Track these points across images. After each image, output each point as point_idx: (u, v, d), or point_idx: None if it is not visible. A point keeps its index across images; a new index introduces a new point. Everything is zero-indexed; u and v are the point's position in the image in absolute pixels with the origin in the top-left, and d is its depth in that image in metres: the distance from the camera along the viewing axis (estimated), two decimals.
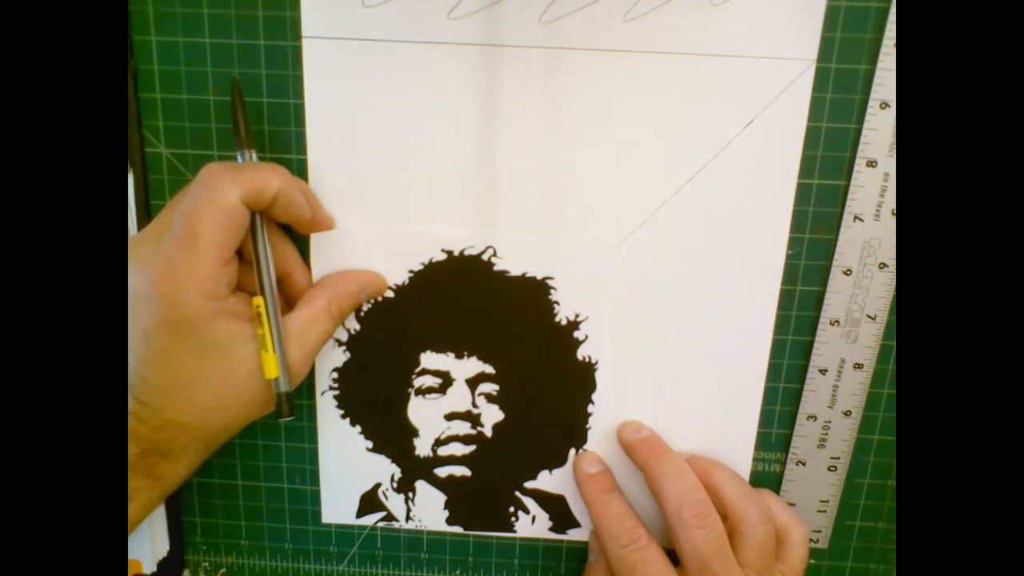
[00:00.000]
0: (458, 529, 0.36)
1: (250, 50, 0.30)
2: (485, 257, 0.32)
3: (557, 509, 0.36)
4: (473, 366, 0.34)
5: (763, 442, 0.34)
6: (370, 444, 0.35)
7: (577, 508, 0.35)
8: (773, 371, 0.33)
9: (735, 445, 0.34)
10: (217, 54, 0.31)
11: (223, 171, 0.27)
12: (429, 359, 0.34)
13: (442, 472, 0.35)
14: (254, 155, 0.29)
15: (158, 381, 0.27)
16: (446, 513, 0.36)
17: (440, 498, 0.36)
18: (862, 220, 0.31)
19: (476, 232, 0.32)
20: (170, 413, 0.27)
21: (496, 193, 0.31)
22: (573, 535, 0.36)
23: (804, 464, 0.34)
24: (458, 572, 0.37)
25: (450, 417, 0.34)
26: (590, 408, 0.34)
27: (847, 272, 0.31)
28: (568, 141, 0.30)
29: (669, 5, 0.29)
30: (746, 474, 0.34)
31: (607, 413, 0.34)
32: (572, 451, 0.35)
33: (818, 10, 0.29)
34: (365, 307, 0.33)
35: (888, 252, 0.31)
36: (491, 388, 0.34)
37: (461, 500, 0.36)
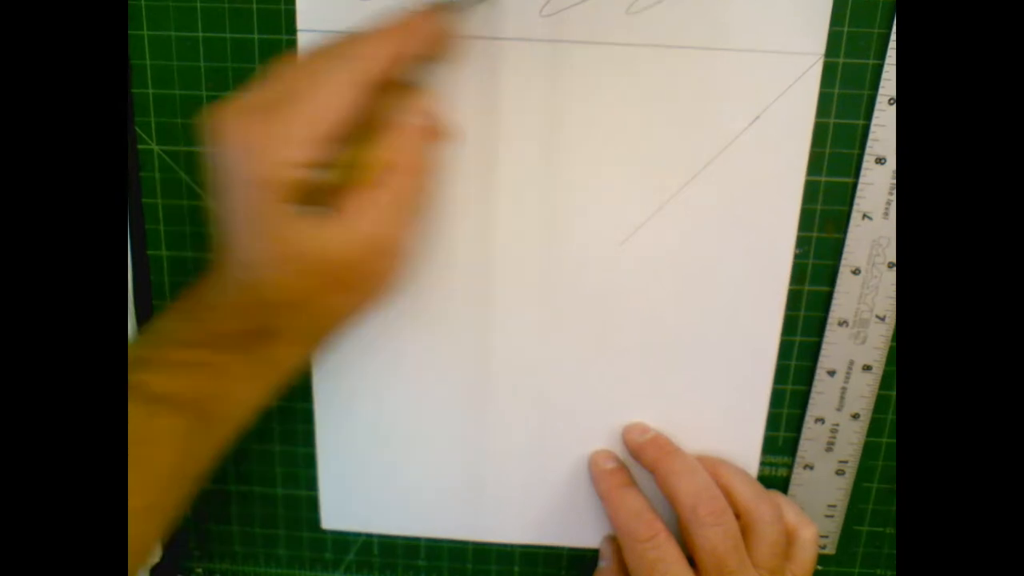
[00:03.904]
0: (456, 536, 0.35)
1: (244, 44, 0.30)
2: None
3: None
4: None
5: (769, 445, 0.33)
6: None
7: (585, 514, 0.35)
8: (780, 373, 0.32)
9: (742, 448, 0.33)
10: (210, 48, 0.30)
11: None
12: None
13: None
14: None
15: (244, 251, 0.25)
16: None
17: None
18: (871, 218, 0.30)
19: (476, 230, 0.31)
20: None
21: (496, 189, 0.30)
22: (575, 542, 0.35)
23: (811, 468, 0.33)
24: None
25: None
26: None
27: (856, 271, 0.31)
28: (569, 136, 0.30)
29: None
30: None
31: (608, 416, 0.33)
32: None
33: (825, 4, 0.28)
34: None
35: None
36: None
37: None
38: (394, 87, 0.26)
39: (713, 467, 0.31)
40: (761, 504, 0.30)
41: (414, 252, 0.27)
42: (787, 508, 0.31)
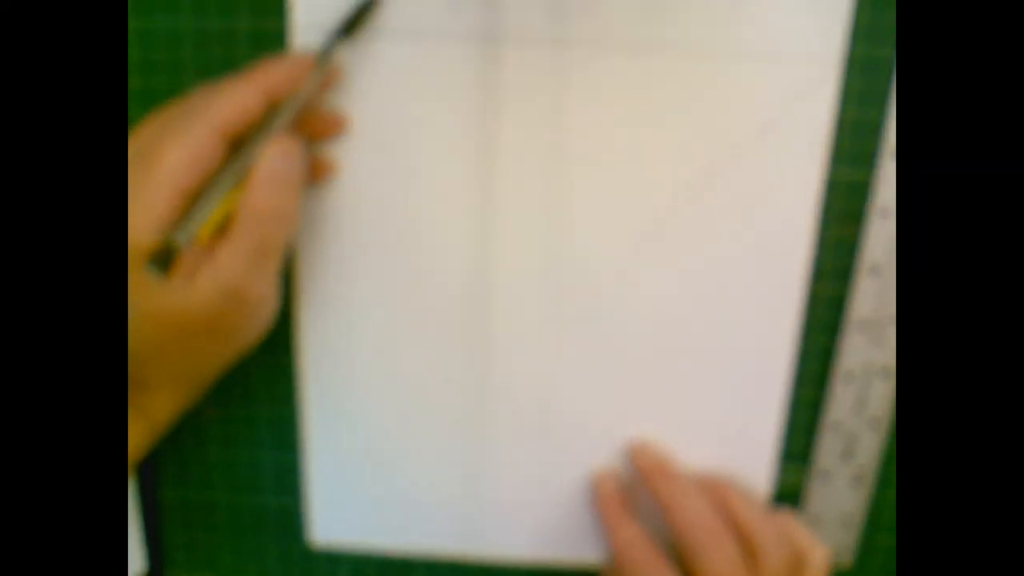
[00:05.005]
0: (455, 550, 0.34)
1: (232, 34, 0.28)
2: None
3: None
4: None
5: (784, 452, 0.32)
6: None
7: (588, 527, 0.33)
8: (796, 377, 0.31)
9: (753, 456, 0.32)
10: (199, 38, 0.28)
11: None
12: None
13: None
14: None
15: None
16: None
17: None
18: (888, 215, 0.29)
19: (478, 237, 0.30)
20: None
21: (499, 194, 0.29)
22: (578, 557, 0.33)
23: (828, 475, 0.32)
24: None
25: None
26: None
27: (874, 271, 0.30)
28: (575, 138, 0.29)
29: (686, 3, 0.27)
30: (765, 486, 0.32)
31: (615, 423, 0.32)
32: None
33: (842, 13, 0.27)
34: None
35: None
36: None
37: None
38: (260, 132, 0.25)
39: (716, 489, 0.30)
40: (764, 527, 0.29)
41: (275, 297, 0.27)
42: (796, 530, 0.30)
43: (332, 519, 0.34)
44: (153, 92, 0.29)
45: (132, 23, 0.28)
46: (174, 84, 0.29)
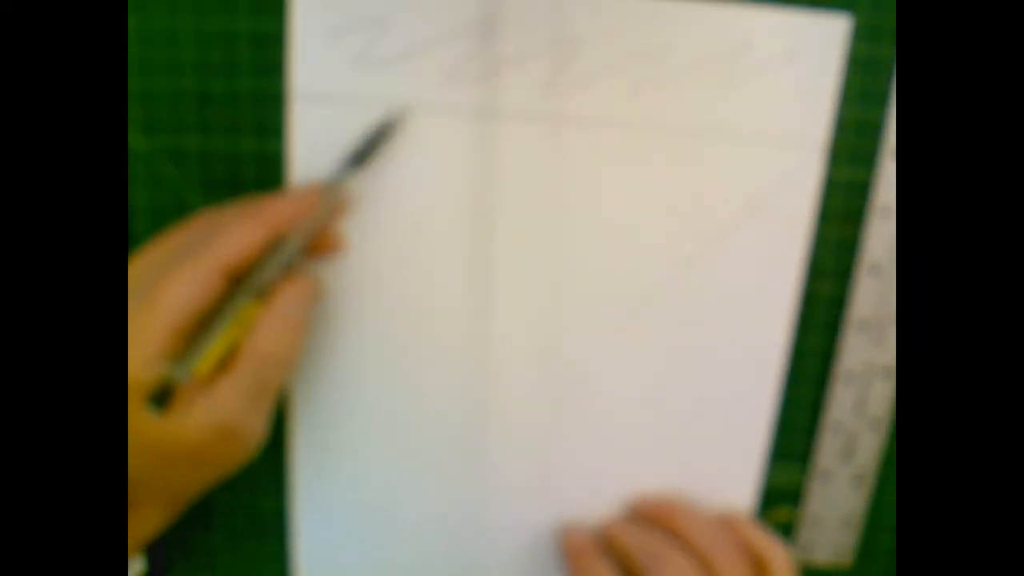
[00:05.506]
0: None
1: (232, 34, 0.28)
2: None
3: None
4: None
5: (783, 453, 0.32)
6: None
7: None
8: (795, 377, 0.31)
9: (740, 461, 0.32)
10: (198, 37, 0.28)
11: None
12: None
13: None
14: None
15: None
16: None
17: None
18: (888, 215, 0.29)
19: (474, 312, 0.30)
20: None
21: (494, 268, 0.29)
22: None
23: (827, 476, 0.32)
24: None
25: None
26: None
27: (874, 270, 0.30)
28: (569, 210, 0.29)
29: (677, 82, 0.28)
30: (750, 492, 0.32)
31: (598, 428, 0.32)
32: None
33: (828, 92, 0.28)
34: None
35: None
36: None
37: None
38: (263, 267, 0.25)
39: (670, 513, 0.30)
40: (716, 539, 0.29)
41: (265, 430, 0.27)
42: (753, 536, 0.30)
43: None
44: (153, 92, 0.29)
45: (132, 23, 0.28)
46: (174, 84, 0.29)
